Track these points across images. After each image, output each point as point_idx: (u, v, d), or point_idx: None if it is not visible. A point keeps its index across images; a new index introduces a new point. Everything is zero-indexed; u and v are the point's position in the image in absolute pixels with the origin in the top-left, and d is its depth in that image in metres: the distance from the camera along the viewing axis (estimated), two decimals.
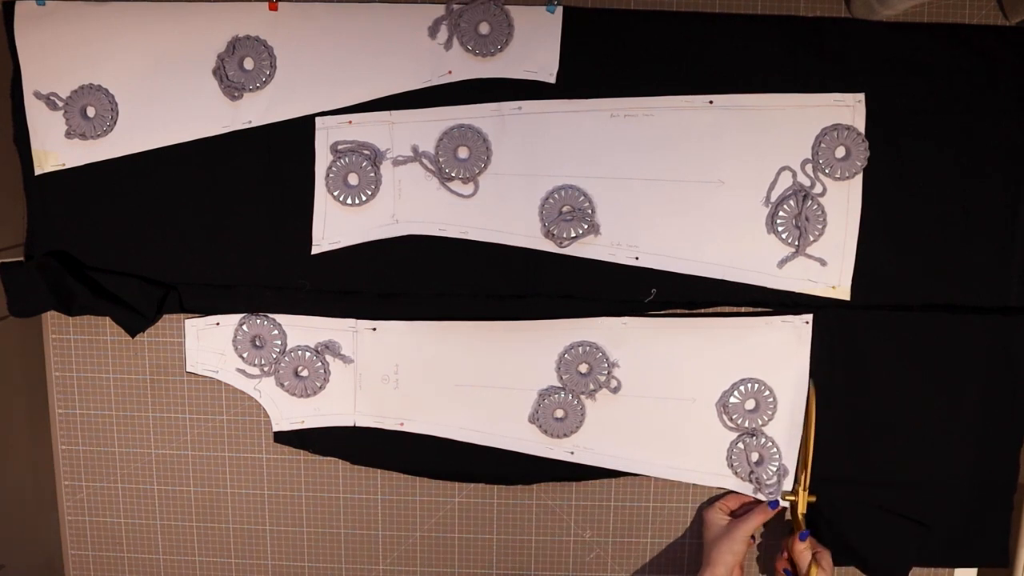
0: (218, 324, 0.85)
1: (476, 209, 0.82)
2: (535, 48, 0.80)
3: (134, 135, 0.82)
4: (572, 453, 0.86)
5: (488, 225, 0.82)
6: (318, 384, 0.85)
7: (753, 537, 0.83)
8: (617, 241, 0.82)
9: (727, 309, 0.84)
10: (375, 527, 0.90)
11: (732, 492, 0.86)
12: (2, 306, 0.83)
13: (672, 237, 0.82)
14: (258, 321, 0.84)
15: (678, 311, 0.84)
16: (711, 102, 0.80)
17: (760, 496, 0.85)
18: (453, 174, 0.81)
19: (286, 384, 0.85)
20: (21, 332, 0.86)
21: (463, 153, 0.81)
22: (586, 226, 0.81)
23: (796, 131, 0.80)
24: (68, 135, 0.82)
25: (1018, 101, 0.80)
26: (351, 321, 0.84)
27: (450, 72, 0.81)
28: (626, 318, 0.83)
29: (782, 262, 0.82)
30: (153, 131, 0.82)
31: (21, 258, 0.83)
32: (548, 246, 0.82)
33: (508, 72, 0.80)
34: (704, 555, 0.82)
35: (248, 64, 0.81)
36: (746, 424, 0.84)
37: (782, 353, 0.83)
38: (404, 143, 0.82)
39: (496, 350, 0.84)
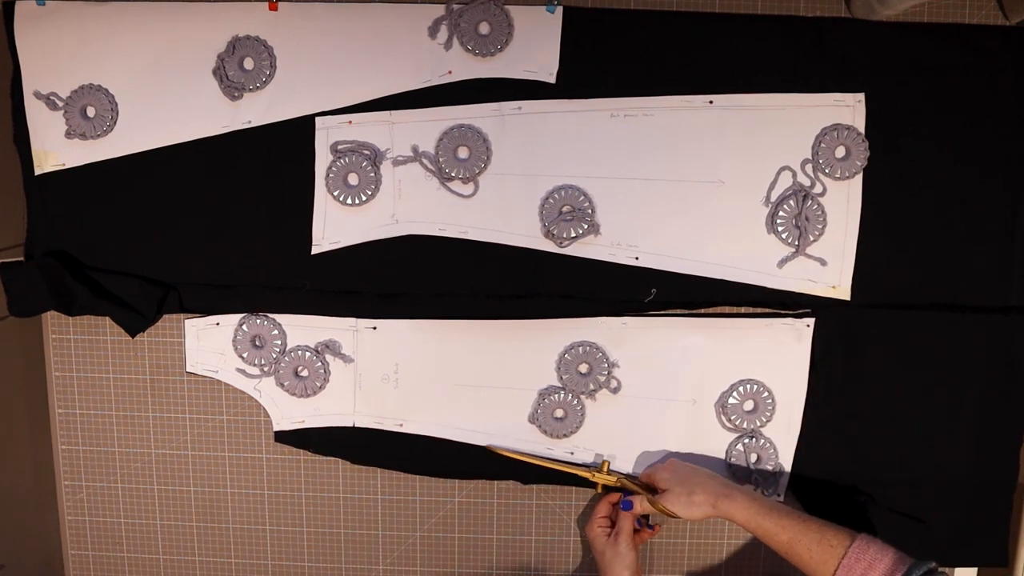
0: (218, 324, 0.85)
1: (476, 209, 0.82)
2: (535, 48, 0.80)
3: (134, 135, 0.82)
4: (572, 453, 0.86)
5: (488, 225, 0.82)
6: (318, 384, 0.85)
7: (651, 526, 0.84)
8: (617, 241, 0.82)
9: (727, 309, 0.84)
10: (375, 527, 0.90)
11: (601, 500, 0.83)
12: (2, 306, 0.83)
13: (672, 237, 0.82)
14: (258, 321, 0.84)
15: (678, 311, 0.84)
16: (711, 102, 0.80)
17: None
18: (453, 174, 0.81)
19: (286, 384, 0.85)
20: (21, 332, 0.86)
21: (463, 153, 0.81)
22: (586, 226, 0.81)
23: (796, 131, 0.81)
24: (68, 135, 0.82)
25: (1018, 101, 0.80)
26: (351, 320, 0.84)
27: (450, 72, 0.81)
28: (626, 318, 0.83)
29: (782, 262, 0.82)
30: (153, 131, 0.82)
31: (21, 258, 0.83)
32: (548, 246, 0.82)
33: (508, 72, 0.80)
34: None
35: (248, 64, 0.81)
36: (745, 425, 0.84)
37: (781, 354, 0.83)
38: (404, 143, 0.82)
39: (496, 350, 0.84)
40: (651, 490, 0.79)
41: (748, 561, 0.89)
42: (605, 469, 0.83)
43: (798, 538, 0.69)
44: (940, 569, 0.64)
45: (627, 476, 0.82)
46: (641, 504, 0.79)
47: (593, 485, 0.83)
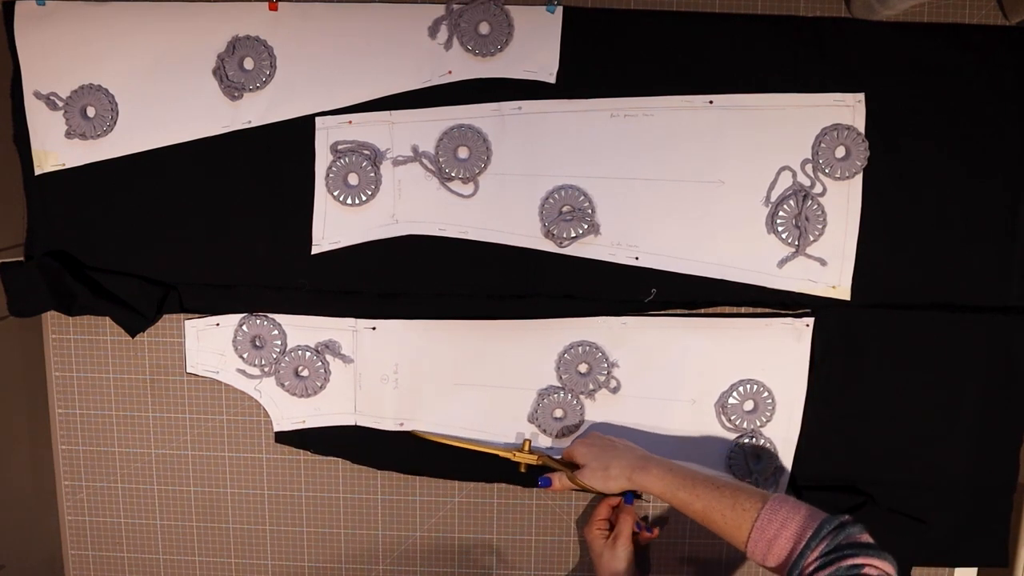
0: (218, 325, 0.85)
1: (476, 209, 0.82)
2: (535, 48, 0.80)
3: (134, 135, 0.82)
4: None
5: (488, 225, 0.82)
6: (318, 384, 0.85)
7: (650, 529, 0.83)
8: (617, 241, 0.82)
9: (727, 309, 0.84)
10: (375, 527, 0.90)
11: (601, 503, 0.82)
12: (2, 306, 0.83)
13: (672, 237, 0.82)
14: (258, 321, 0.84)
15: (678, 311, 0.84)
16: (711, 102, 0.80)
17: None
18: (453, 174, 0.81)
19: (286, 384, 0.85)
20: (21, 332, 0.86)
21: (463, 153, 0.81)
22: (586, 226, 0.81)
23: (796, 131, 0.81)
24: (68, 135, 0.82)
25: (1018, 101, 0.80)
26: (351, 320, 0.84)
27: (450, 72, 0.81)
28: (626, 318, 0.83)
29: (782, 262, 0.82)
30: (153, 131, 0.82)
31: (21, 258, 0.83)
32: (548, 246, 0.82)
33: (508, 72, 0.80)
34: None
35: (248, 64, 0.81)
36: (744, 425, 0.84)
37: (781, 354, 0.83)
38: (404, 143, 0.82)
39: (496, 350, 0.84)
40: (573, 467, 0.78)
41: (747, 562, 0.89)
42: (526, 448, 0.81)
43: (712, 505, 0.68)
44: (856, 523, 0.63)
45: (550, 454, 0.81)
46: (560, 480, 0.78)
47: (516, 466, 0.82)
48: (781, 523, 0.64)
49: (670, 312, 0.84)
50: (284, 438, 0.87)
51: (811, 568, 0.60)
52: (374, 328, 0.84)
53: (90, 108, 0.81)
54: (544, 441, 0.85)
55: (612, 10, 0.80)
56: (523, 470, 0.82)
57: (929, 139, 0.81)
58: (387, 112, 0.81)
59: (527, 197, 0.82)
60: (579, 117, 0.81)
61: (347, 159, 0.81)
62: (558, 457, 0.81)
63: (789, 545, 0.63)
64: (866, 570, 0.59)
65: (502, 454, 0.82)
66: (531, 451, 0.81)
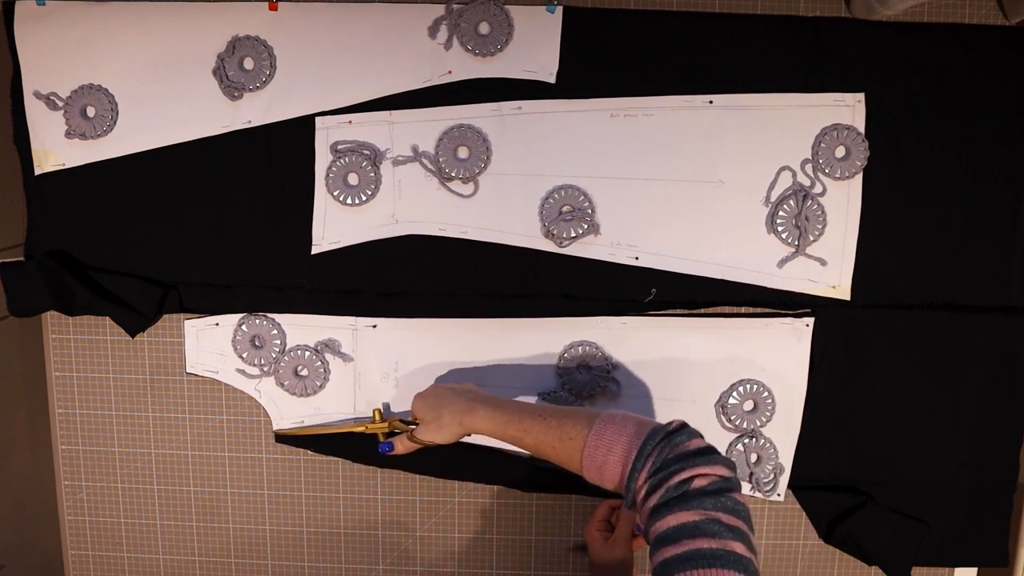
0: (217, 325, 0.85)
1: (476, 209, 0.82)
2: (535, 48, 0.80)
3: (134, 135, 0.82)
4: None
5: (488, 225, 0.82)
6: (318, 383, 0.85)
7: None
8: (617, 241, 0.82)
9: (727, 309, 0.84)
10: (375, 527, 0.90)
11: (601, 504, 0.82)
12: (2, 306, 0.83)
13: (672, 237, 0.82)
14: (257, 321, 0.84)
15: (678, 311, 0.84)
16: (711, 102, 0.80)
17: (757, 494, 0.85)
18: (453, 174, 0.81)
19: (286, 384, 0.85)
20: (21, 332, 0.86)
21: (463, 153, 0.81)
22: (586, 226, 0.81)
23: (796, 131, 0.81)
24: (68, 135, 0.82)
25: (1018, 101, 0.80)
26: (351, 319, 0.84)
27: (450, 72, 0.81)
28: (626, 318, 0.83)
29: (782, 262, 0.82)
30: (153, 131, 0.82)
31: (21, 258, 0.83)
32: (548, 246, 0.82)
33: (508, 72, 0.80)
34: None
35: (248, 64, 0.81)
36: (744, 425, 0.84)
37: (781, 354, 0.83)
38: (404, 143, 0.82)
39: (496, 349, 0.84)
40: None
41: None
42: (377, 418, 0.80)
43: (542, 439, 0.63)
44: (683, 429, 0.57)
45: (401, 418, 0.80)
46: (401, 443, 0.76)
47: (374, 437, 0.80)
48: (607, 448, 0.58)
49: (670, 312, 0.84)
50: (284, 438, 0.87)
51: (642, 494, 0.55)
52: (375, 326, 0.84)
53: (90, 108, 0.81)
54: None
55: (612, 10, 0.80)
56: (381, 440, 0.80)
57: (929, 139, 0.81)
58: (387, 112, 0.81)
59: (527, 197, 0.82)
60: (579, 117, 0.81)
61: (347, 159, 0.81)
62: (410, 419, 0.79)
63: (618, 470, 0.58)
64: (695, 483, 0.52)
65: (356, 429, 0.81)
66: (382, 420, 0.80)
